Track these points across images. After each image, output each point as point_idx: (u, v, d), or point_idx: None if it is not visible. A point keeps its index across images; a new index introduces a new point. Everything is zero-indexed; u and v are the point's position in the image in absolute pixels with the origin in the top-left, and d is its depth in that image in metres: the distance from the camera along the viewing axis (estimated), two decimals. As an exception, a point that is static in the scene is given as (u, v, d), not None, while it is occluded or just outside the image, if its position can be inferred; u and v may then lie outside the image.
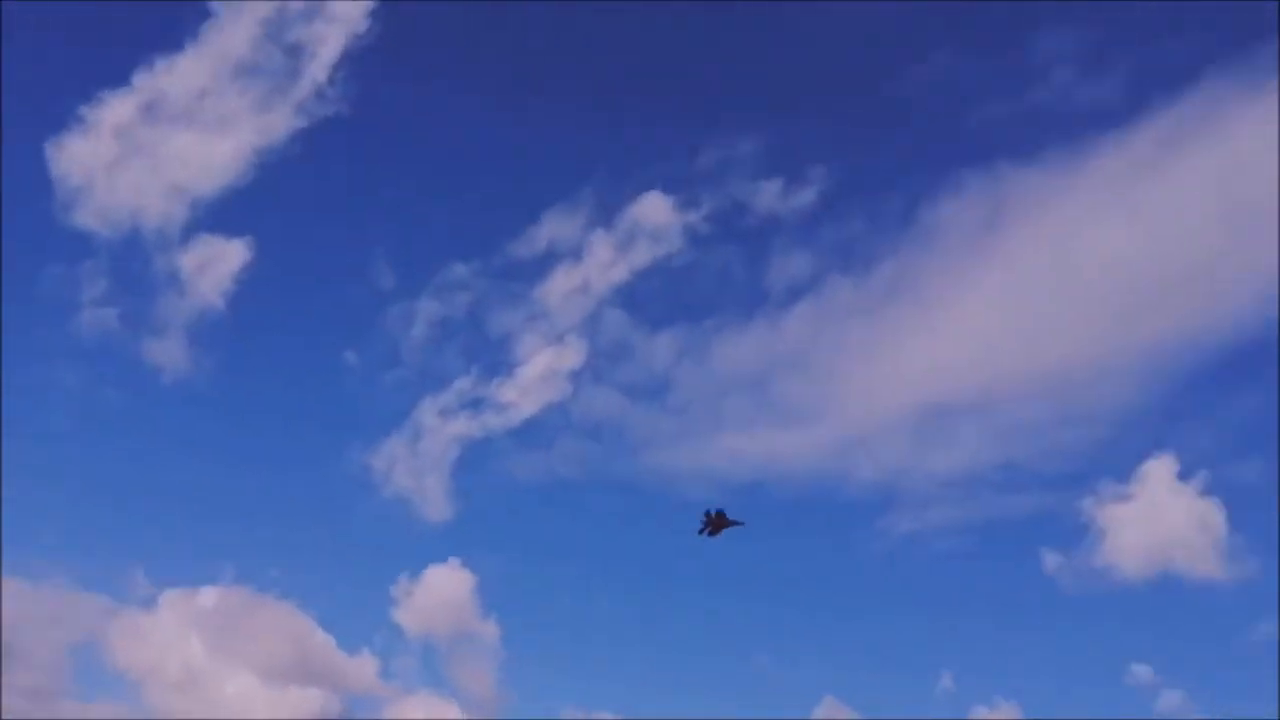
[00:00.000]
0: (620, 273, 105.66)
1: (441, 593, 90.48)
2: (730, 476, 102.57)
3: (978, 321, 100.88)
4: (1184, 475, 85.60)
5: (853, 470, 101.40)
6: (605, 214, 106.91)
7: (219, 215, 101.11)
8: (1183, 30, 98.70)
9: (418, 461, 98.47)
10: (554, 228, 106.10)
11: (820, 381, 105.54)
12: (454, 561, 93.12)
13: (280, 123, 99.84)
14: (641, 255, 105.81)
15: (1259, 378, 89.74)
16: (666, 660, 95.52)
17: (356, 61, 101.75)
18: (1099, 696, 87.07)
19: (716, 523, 55.17)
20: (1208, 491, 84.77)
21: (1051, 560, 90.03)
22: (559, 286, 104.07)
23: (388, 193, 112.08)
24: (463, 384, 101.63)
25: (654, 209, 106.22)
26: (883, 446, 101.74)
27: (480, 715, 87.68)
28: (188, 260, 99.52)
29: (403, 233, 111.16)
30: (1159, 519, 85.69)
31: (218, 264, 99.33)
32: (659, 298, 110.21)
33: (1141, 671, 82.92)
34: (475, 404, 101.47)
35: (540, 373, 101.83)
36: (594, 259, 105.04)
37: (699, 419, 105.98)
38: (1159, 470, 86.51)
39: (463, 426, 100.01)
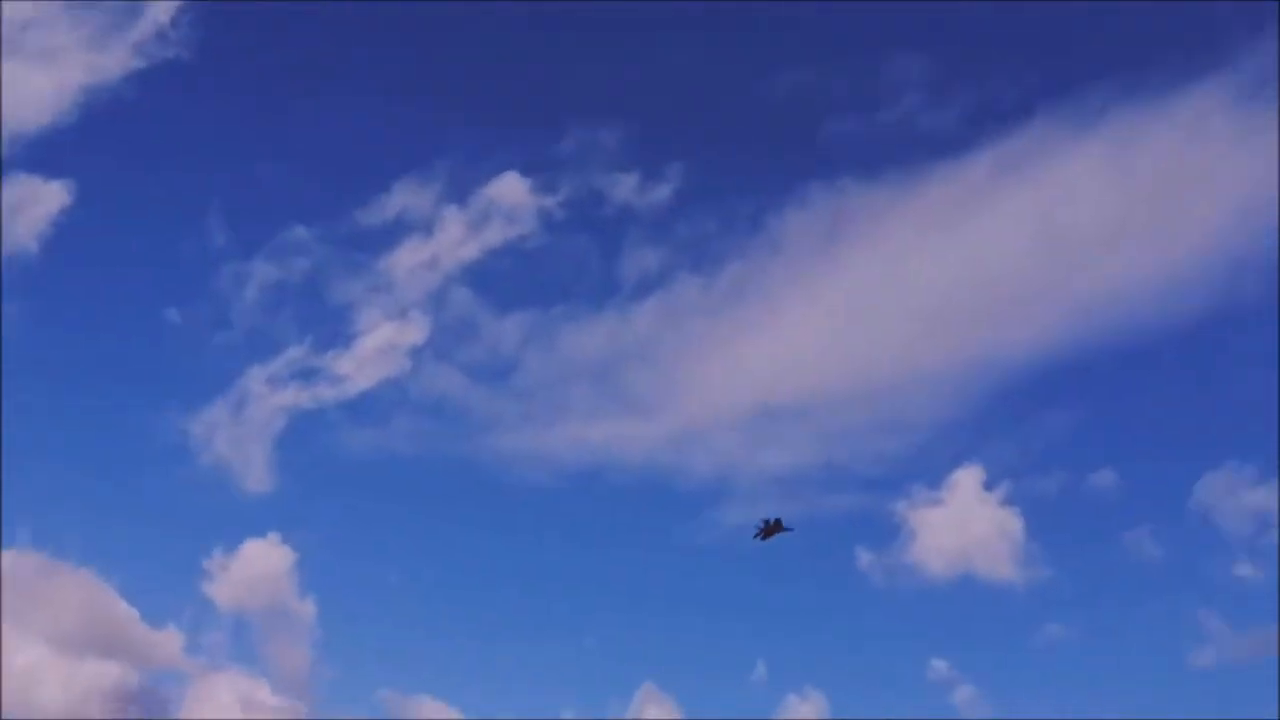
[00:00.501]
0: (471, 251, 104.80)
1: (258, 568, 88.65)
2: (570, 463, 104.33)
3: (812, 328, 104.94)
4: (989, 485, 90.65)
5: (689, 462, 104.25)
6: (459, 190, 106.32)
7: (38, 154, 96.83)
8: (1021, 68, 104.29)
9: (240, 430, 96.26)
10: (404, 198, 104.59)
11: (663, 375, 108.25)
12: (273, 536, 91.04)
13: (115, 62, 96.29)
14: (494, 235, 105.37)
15: (1062, 398, 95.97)
16: (489, 646, 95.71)
17: (204, 5, 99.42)
18: (901, 688, 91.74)
19: (772, 529, 62.38)
20: (1009, 501, 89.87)
21: (865, 557, 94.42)
22: (405, 260, 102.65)
23: (228, 146, 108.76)
24: (295, 353, 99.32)
25: (510, 189, 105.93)
26: (718, 441, 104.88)
27: (292, 695, 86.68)
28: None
29: (241, 189, 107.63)
30: (964, 524, 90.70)
31: (33, 205, 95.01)
32: (509, 279, 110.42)
33: (940, 666, 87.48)
34: (307, 374, 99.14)
35: (379, 346, 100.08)
36: (444, 235, 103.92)
37: (543, 404, 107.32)
38: (967, 479, 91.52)
39: (292, 397, 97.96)
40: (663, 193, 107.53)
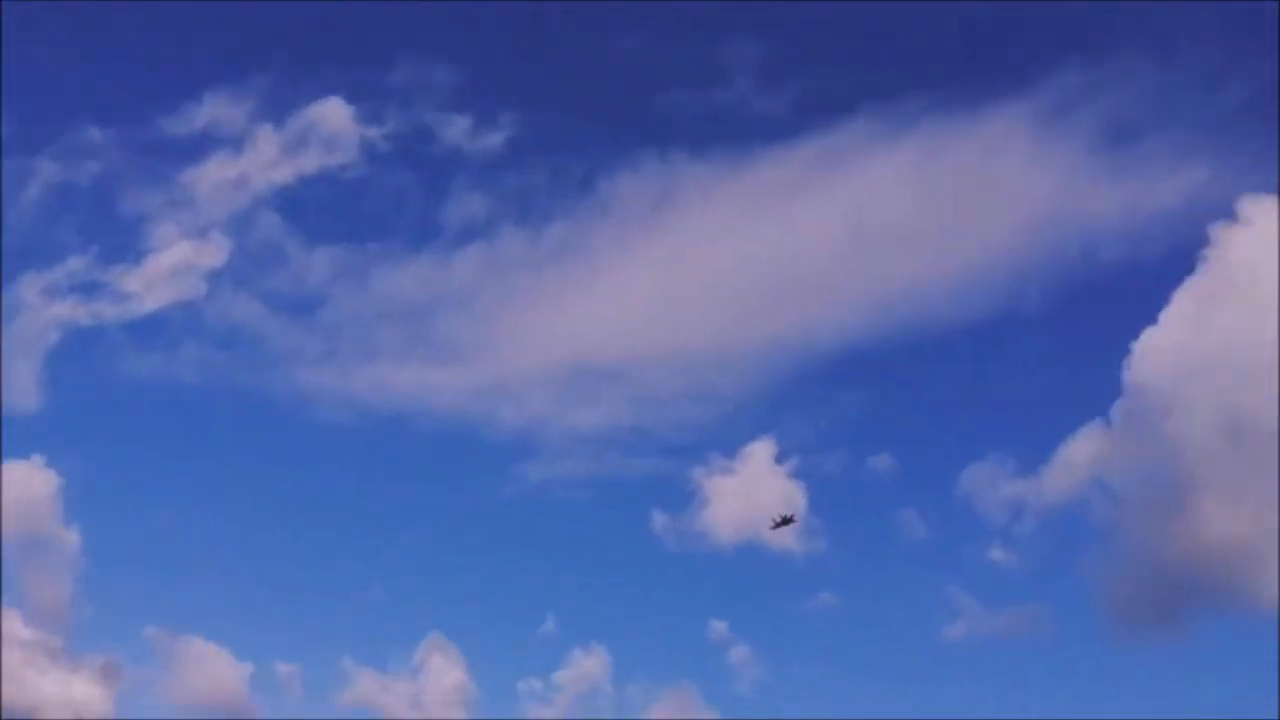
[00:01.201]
0: (283, 175, 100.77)
1: (16, 491, 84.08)
2: (374, 406, 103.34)
3: (633, 293, 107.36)
4: (780, 459, 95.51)
5: (497, 415, 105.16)
6: (276, 109, 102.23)
7: None
8: (850, 66, 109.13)
9: (8, 342, 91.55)
10: (215, 110, 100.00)
11: (479, 325, 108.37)
12: (37, 459, 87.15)
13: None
14: (310, 161, 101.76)
15: (854, 384, 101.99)
16: (269, 589, 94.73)
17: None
18: (681, 646, 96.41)
19: (784, 521, 75.70)
20: (796, 475, 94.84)
21: (660, 520, 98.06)
22: (210, 176, 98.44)
23: (22, 32, 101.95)
24: (76, 264, 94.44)
25: (332, 115, 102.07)
26: (529, 396, 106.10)
27: (47, 627, 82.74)
28: None
29: (31, 79, 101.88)
30: (753, 494, 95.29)
31: None
32: (323, 210, 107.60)
33: (719, 627, 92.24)
34: (89, 288, 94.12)
35: (173, 266, 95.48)
36: (256, 154, 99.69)
37: (349, 343, 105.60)
38: (760, 451, 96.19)
39: (69, 311, 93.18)
40: (495, 140, 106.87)
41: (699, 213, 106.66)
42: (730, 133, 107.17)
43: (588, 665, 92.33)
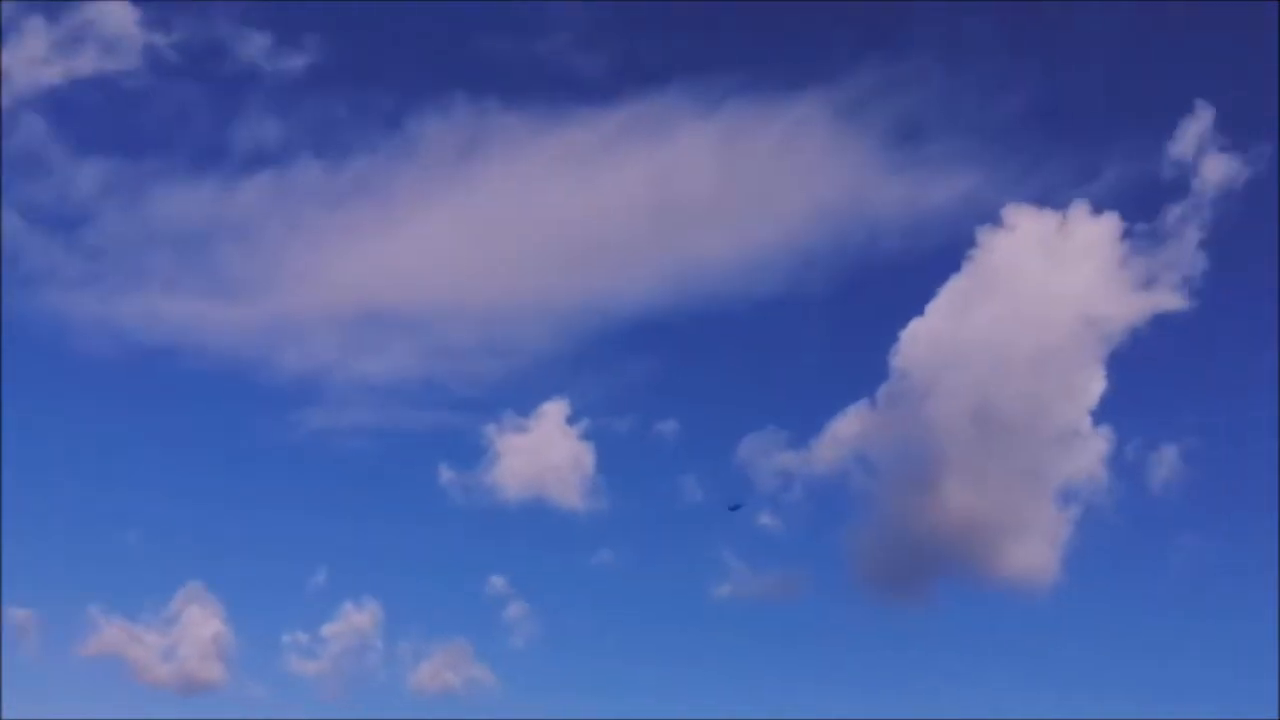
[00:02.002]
0: (52, 75, 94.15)
1: None
2: (140, 338, 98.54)
3: (433, 240, 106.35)
4: (572, 419, 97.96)
5: (279, 357, 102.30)
6: (49, 1, 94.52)
7: None
8: (667, 36, 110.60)
9: None
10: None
11: (265, 259, 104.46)
12: None
13: None
14: (85, 63, 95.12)
15: (646, 350, 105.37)
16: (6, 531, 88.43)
17: None
18: (457, 601, 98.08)
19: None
20: (586, 436, 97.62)
21: (447, 475, 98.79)
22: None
23: None
24: None
25: (114, 15, 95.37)
26: (315, 339, 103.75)
27: None
28: None
29: None
30: (544, 453, 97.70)
31: None
32: (96, 118, 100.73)
33: (499, 582, 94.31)
34: None
35: None
36: (22, 48, 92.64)
37: (115, 267, 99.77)
38: (554, 411, 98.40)
39: None
40: (296, 63, 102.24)
41: (507, 166, 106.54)
42: (545, 88, 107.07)
43: (358, 619, 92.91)
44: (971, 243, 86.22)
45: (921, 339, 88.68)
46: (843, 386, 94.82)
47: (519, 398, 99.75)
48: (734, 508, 78.16)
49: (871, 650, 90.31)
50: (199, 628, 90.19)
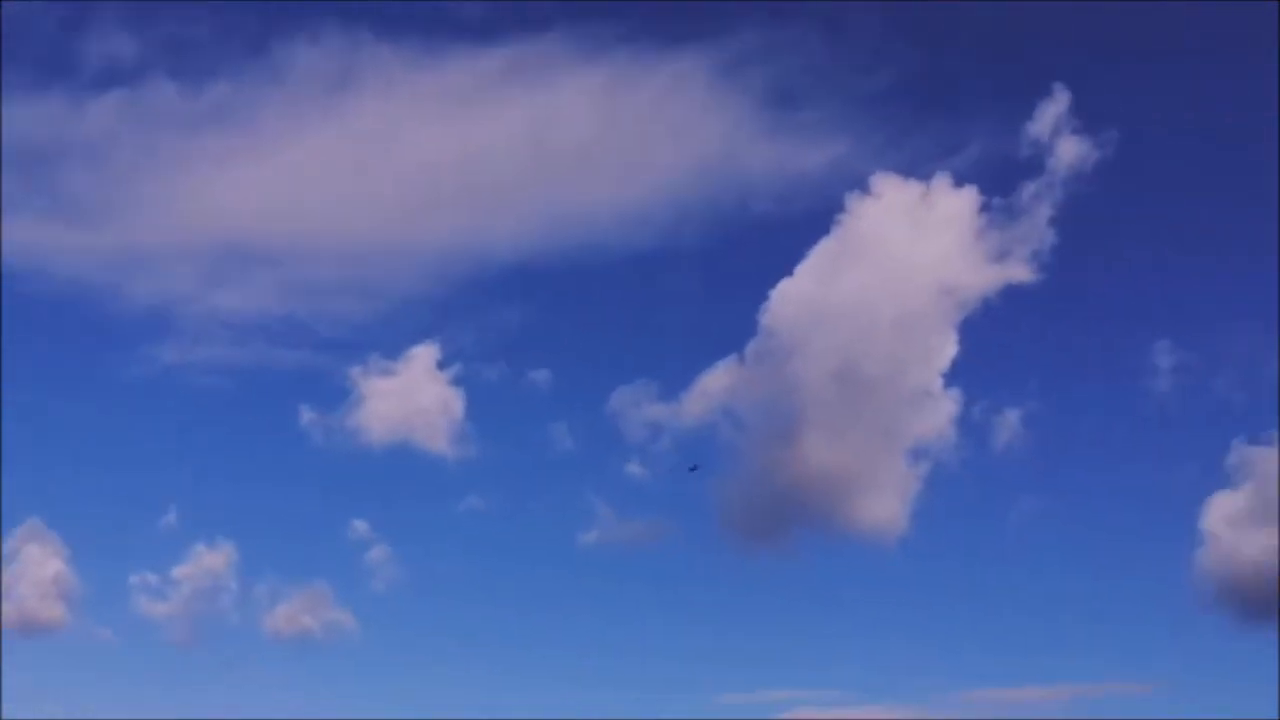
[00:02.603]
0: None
1: None
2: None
3: (300, 175, 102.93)
4: (442, 364, 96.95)
5: (129, 287, 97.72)
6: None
7: None
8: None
9: None
10: None
11: (116, 184, 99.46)
12: None
13: None
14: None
15: (521, 298, 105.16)
16: None
17: None
18: (318, 543, 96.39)
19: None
20: (456, 382, 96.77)
21: (309, 416, 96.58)
22: None
23: None
24: None
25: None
26: (169, 270, 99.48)
27: None
28: None
29: None
30: (412, 397, 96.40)
31: None
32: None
33: (361, 526, 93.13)
34: None
35: None
36: None
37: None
38: (423, 355, 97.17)
39: None
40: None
41: (381, 101, 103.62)
42: (423, 24, 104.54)
43: (211, 560, 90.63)
44: (841, 208, 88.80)
45: (790, 299, 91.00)
46: (713, 342, 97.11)
47: (386, 340, 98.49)
48: (693, 468, 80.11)
49: (733, 595, 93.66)
50: (38, 566, 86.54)
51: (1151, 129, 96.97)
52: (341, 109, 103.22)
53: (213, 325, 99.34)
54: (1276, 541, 72.89)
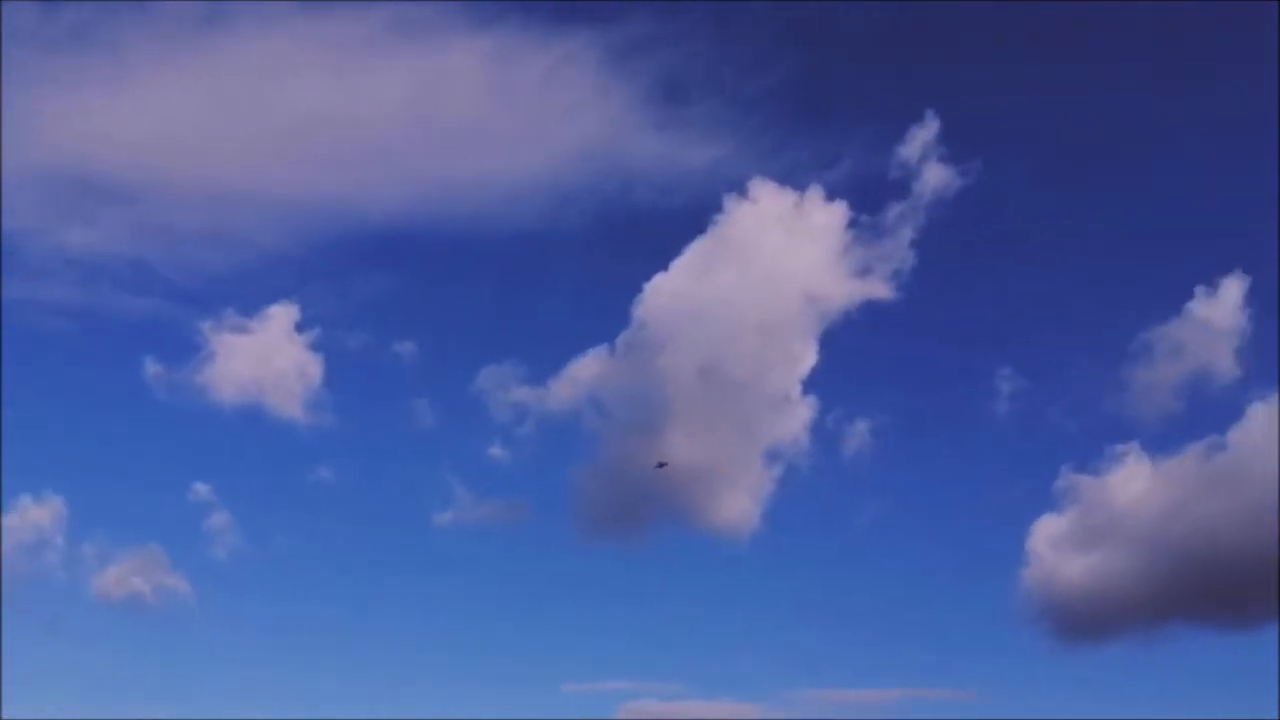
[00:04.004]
0: None
1: None
2: None
3: (163, 112, 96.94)
4: (301, 327, 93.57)
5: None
6: None
7: None
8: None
9: None
10: None
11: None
12: None
13: None
14: None
15: (391, 265, 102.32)
16: None
17: None
18: (156, 504, 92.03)
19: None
20: (315, 347, 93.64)
21: (154, 369, 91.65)
22: None
23: None
24: None
25: None
26: (12, 199, 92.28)
27: None
28: None
29: None
30: (267, 358, 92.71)
31: None
32: None
33: (203, 489, 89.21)
34: None
35: None
36: None
37: None
38: (282, 315, 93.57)
39: None
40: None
41: (257, 43, 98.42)
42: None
43: (36, 514, 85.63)
44: (718, 208, 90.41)
45: (663, 293, 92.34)
46: (585, 330, 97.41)
47: (243, 296, 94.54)
48: (660, 465, 79.28)
49: (584, 584, 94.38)
50: None
51: (1012, 163, 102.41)
52: (214, 45, 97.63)
53: (56, 262, 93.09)
54: (1098, 565, 79.42)
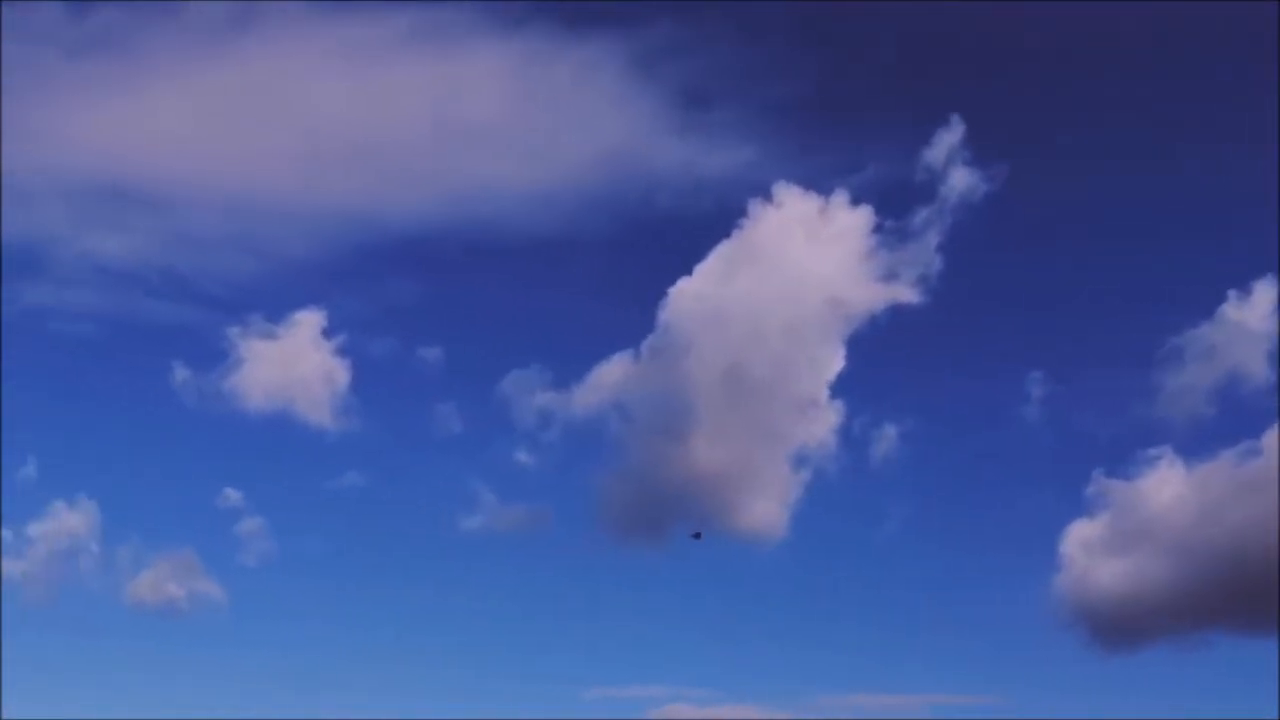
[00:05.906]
0: None
1: None
2: None
3: (192, 118, 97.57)
4: (329, 333, 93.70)
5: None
6: None
7: None
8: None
9: None
10: None
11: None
12: None
13: None
14: None
15: (417, 271, 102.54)
16: None
17: None
18: (188, 510, 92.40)
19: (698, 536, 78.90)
20: (342, 352, 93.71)
21: (183, 375, 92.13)
22: None
23: None
24: None
25: None
26: (41, 204, 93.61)
27: None
28: None
29: None
30: (295, 364, 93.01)
31: None
32: None
33: (234, 495, 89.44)
34: None
35: None
36: None
37: None
38: (309, 321, 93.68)
39: None
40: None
41: (284, 48, 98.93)
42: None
43: (71, 519, 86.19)
44: (743, 213, 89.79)
45: (688, 298, 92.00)
46: (610, 334, 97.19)
47: (270, 302, 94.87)
48: (695, 535, 79.07)
49: (612, 589, 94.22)
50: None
51: (1039, 166, 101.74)
52: (242, 54, 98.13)
53: (85, 269, 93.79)
54: (1132, 570, 78.71)
